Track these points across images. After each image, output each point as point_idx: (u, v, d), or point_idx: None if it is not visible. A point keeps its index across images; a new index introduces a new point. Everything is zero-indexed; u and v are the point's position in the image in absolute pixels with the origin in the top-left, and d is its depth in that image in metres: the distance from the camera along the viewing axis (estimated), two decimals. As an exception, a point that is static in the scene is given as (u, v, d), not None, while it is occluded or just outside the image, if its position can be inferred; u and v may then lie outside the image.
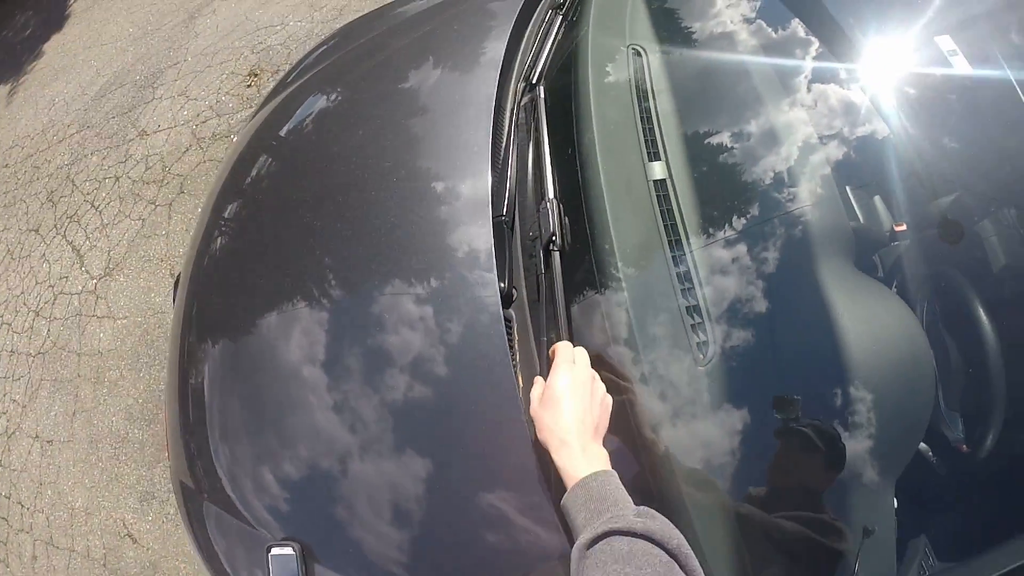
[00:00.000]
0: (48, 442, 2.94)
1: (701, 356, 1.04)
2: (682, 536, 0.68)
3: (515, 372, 1.07)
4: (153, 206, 3.25)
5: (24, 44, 5.40)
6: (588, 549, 0.68)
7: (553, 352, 0.97)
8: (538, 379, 0.95)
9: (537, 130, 1.35)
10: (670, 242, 1.14)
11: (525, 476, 1.01)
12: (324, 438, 1.19)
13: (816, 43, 1.31)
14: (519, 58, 1.55)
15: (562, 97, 1.40)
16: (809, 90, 1.25)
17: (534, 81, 1.46)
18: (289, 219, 1.44)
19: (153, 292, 2.99)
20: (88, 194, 3.59)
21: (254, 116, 1.87)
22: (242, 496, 1.26)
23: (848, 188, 1.14)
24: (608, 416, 0.91)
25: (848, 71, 1.25)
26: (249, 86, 3.47)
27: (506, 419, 1.05)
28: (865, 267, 1.11)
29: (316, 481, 1.18)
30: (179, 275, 1.65)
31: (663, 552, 0.65)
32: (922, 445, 0.99)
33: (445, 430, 1.11)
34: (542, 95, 1.41)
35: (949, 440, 1.00)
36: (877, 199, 1.14)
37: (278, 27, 3.76)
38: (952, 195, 1.12)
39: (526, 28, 1.63)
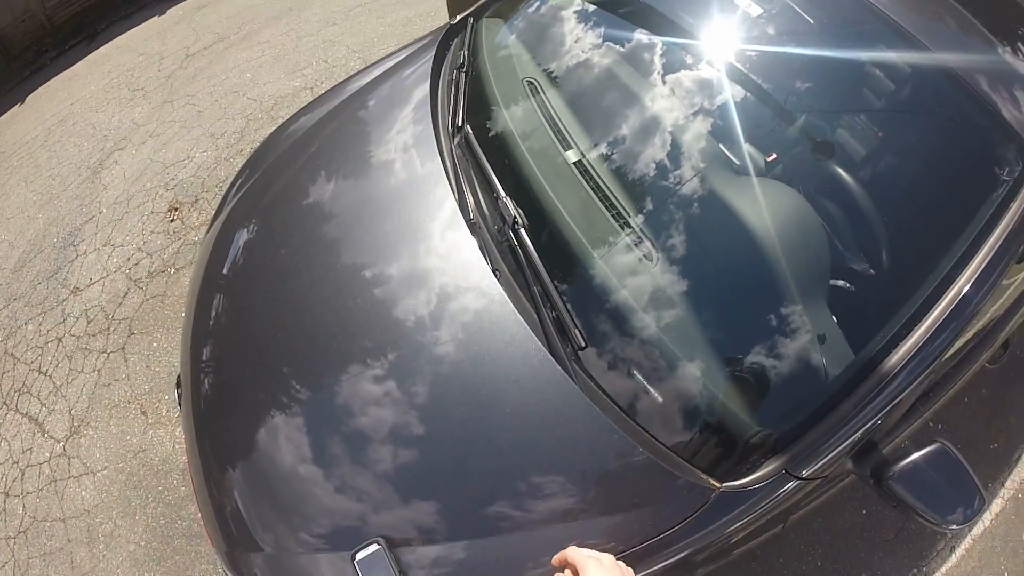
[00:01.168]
0: (50, 619, 2.86)
1: (651, 263, 1.45)
2: None
3: (523, 321, 1.39)
4: (106, 355, 3.30)
5: (-82, 242, 5.30)
6: None
7: (562, 559, 0.97)
8: None
9: (475, 156, 1.70)
10: (599, 198, 1.55)
11: (560, 421, 1.30)
12: (364, 443, 1.41)
13: (660, 41, 1.80)
14: (439, 112, 1.90)
15: (486, 129, 1.79)
16: (665, 80, 1.71)
17: (459, 124, 1.81)
18: (296, 289, 1.68)
19: (128, 435, 3.02)
20: (32, 363, 3.57)
21: (208, 233, 2.08)
22: (305, 529, 1.40)
23: (721, 145, 1.57)
24: None
25: (691, 56, 1.73)
26: (172, 220, 3.62)
27: (529, 358, 1.36)
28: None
29: (370, 483, 1.38)
30: (179, 376, 1.82)
31: None
32: (841, 281, 1.41)
33: (475, 385, 1.38)
34: (471, 131, 1.76)
35: (858, 271, 1.42)
36: (747, 147, 1.57)
37: (185, 161, 3.95)
38: (800, 119, 1.58)
39: (438, 91, 1.98)
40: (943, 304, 1.33)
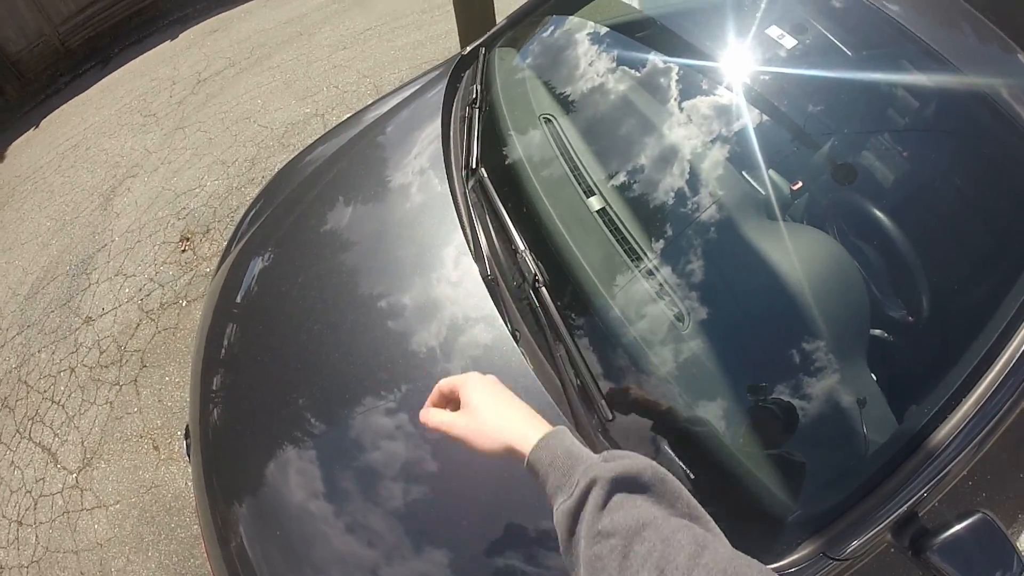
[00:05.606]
0: (63, 656, 2.84)
1: (681, 324, 1.35)
2: (653, 463, 0.70)
3: (545, 390, 1.31)
4: (118, 387, 3.29)
5: (-66, 266, 5.35)
6: (579, 507, 0.68)
7: (435, 397, 0.95)
8: (432, 410, 0.93)
9: (491, 202, 1.62)
10: (626, 251, 1.46)
11: None
12: (373, 495, 1.35)
13: (675, 67, 1.71)
14: (452, 153, 1.83)
15: (502, 171, 1.71)
16: (682, 108, 1.63)
17: (474, 167, 1.73)
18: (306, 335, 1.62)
19: (140, 469, 3.00)
20: (45, 391, 3.58)
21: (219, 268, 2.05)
22: None
23: (743, 172, 1.49)
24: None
25: (708, 82, 1.64)
26: (184, 251, 3.61)
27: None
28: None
29: (378, 539, 1.32)
30: (187, 426, 1.78)
31: (640, 486, 0.67)
32: (878, 331, 1.33)
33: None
34: (485, 175, 1.68)
35: (896, 319, 1.34)
36: (771, 172, 1.49)
37: (196, 190, 3.94)
38: (828, 143, 1.49)
39: (450, 128, 1.92)
40: (1001, 361, 1.21)
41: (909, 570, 1.34)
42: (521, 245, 1.48)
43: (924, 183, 1.46)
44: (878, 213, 1.42)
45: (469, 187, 1.71)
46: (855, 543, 1.19)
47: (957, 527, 1.19)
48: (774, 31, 1.63)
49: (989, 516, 1.19)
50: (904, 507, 1.19)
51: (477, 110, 1.89)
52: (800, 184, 1.50)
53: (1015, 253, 1.29)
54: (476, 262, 1.48)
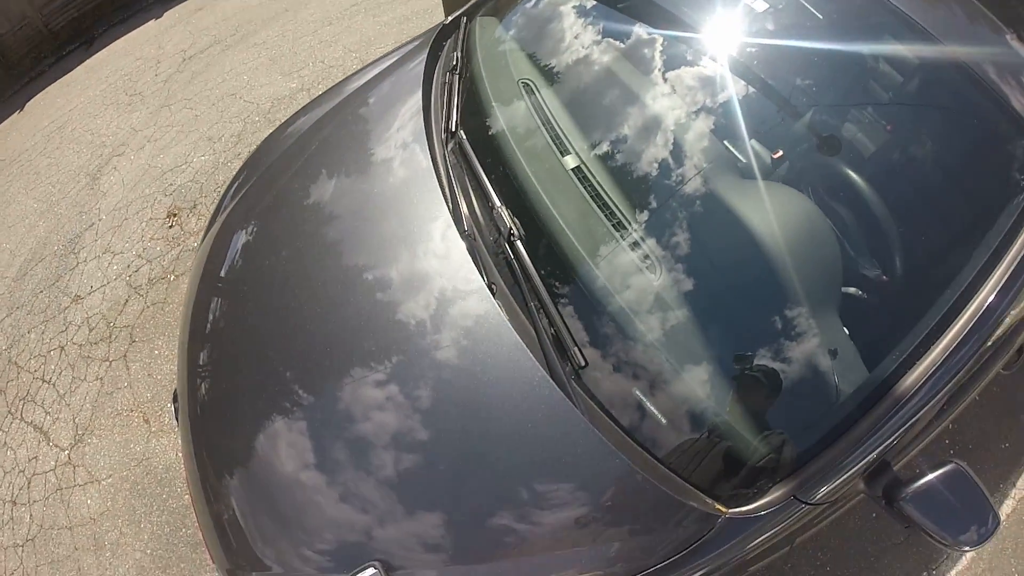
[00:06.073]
0: (59, 627, 2.88)
1: (654, 275, 1.39)
2: None
3: (520, 339, 1.33)
4: (108, 363, 3.30)
5: (-79, 251, 5.32)
6: None
7: None
8: None
9: (469, 164, 1.64)
10: (599, 206, 1.48)
11: (554, 436, 1.27)
12: (359, 454, 1.38)
13: (653, 34, 1.73)
14: (432, 117, 1.84)
15: (480, 133, 1.73)
16: (657, 73, 1.64)
17: (453, 130, 1.75)
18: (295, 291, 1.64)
19: (132, 443, 3.02)
20: (36, 371, 3.58)
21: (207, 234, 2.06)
22: (304, 546, 1.38)
23: (725, 141, 1.51)
24: None
25: (684, 47, 1.66)
26: (171, 227, 3.60)
27: (527, 378, 1.31)
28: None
29: (366, 504, 1.35)
30: (175, 391, 1.80)
31: None
32: (853, 289, 1.36)
33: (471, 406, 1.34)
34: (464, 138, 1.70)
35: (871, 278, 1.37)
36: (753, 142, 1.51)
37: (183, 166, 3.93)
38: (808, 115, 1.51)
39: (431, 95, 1.93)
40: (966, 315, 1.27)
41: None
42: (497, 201, 1.50)
43: (902, 152, 1.49)
44: (857, 179, 1.44)
45: (448, 150, 1.72)
46: (826, 488, 1.22)
47: (930, 476, 1.22)
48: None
49: (963, 466, 1.22)
50: (874, 453, 1.22)
51: (457, 76, 1.90)
52: (781, 152, 1.51)
53: (984, 216, 1.34)
54: (455, 220, 1.50)
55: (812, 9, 1.60)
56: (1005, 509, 2.33)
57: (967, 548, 1.23)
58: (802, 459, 1.26)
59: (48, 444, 3.29)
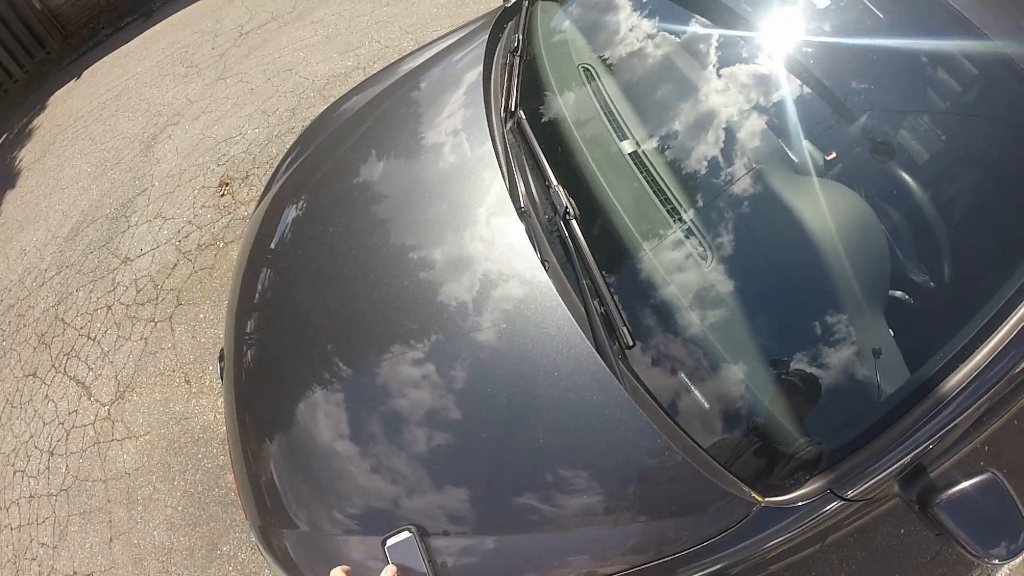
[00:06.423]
0: (88, 575, 2.97)
1: (705, 261, 1.41)
2: None
3: (571, 315, 1.35)
4: (153, 323, 3.40)
5: (-23, 208, 5.52)
6: None
7: None
8: None
9: (527, 142, 1.68)
10: (655, 191, 1.51)
11: (605, 417, 1.28)
12: (401, 427, 1.41)
13: (720, 31, 1.73)
14: (492, 96, 1.88)
15: (539, 114, 1.76)
16: (723, 72, 1.65)
17: (512, 109, 1.79)
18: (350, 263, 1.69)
19: (172, 402, 3.11)
20: (81, 328, 3.70)
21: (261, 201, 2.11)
22: (338, 509, 1.42)
23: (779, 139, 1.51)
24: None
25: (751, 47, 1.66)
26: (223, 195, 3.70)
27: (574, 353, 1.33)
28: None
29: (402, 472, 1.38)
30: (222, 349, 1.86)
31: None
32: (900, 292, 1.35)
33: (516, 376, 1.37)
34: (524, 117, 1.74)
35: (919, 283, 1.36)
36: (806, 143, 1.51)
37: (237, 137, 4.02)
38: (863, 117, 1.50)
39: (491, 74, 1.97)
40: (1009, 324, 1.26)
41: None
42: (554, 181, 1.53)
43: (954, 159, 1.48)
44: (909, 184, 1.44)
45: (507, 128, 1.75)
46: (862, 485, 1.22)
47: (965, 484, 1.21)
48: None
49: (997, 476, 1.21)
50: (910, 455, 1.22)
51: (518, 58, 1.93)
52: (835, 154, 1.51)
53: None
54: (511, 197, 1.52)
55: (874, 9, 1.59)
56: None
57: (996, 561, 1.21)
58: (840, 454, 1.26)
59: (89, 399, 3.39)
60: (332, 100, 2.48)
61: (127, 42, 6.10)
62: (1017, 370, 1.27)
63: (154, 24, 6.18)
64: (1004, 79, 1.40)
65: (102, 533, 2.98)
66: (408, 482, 1.37)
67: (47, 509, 3.24)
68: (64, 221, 4.45)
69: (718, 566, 1.24)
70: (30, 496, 3.35)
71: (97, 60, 6.10)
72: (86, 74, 6.02)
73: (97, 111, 5.28)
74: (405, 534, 1.29)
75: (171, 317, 3.36)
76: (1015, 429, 2.44)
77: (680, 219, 1.47)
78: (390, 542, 1.29)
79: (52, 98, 6.01)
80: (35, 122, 5.79)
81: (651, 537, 1.25)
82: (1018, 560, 2.18)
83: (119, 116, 5.03)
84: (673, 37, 1.79)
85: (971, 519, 1.21)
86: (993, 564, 2.13)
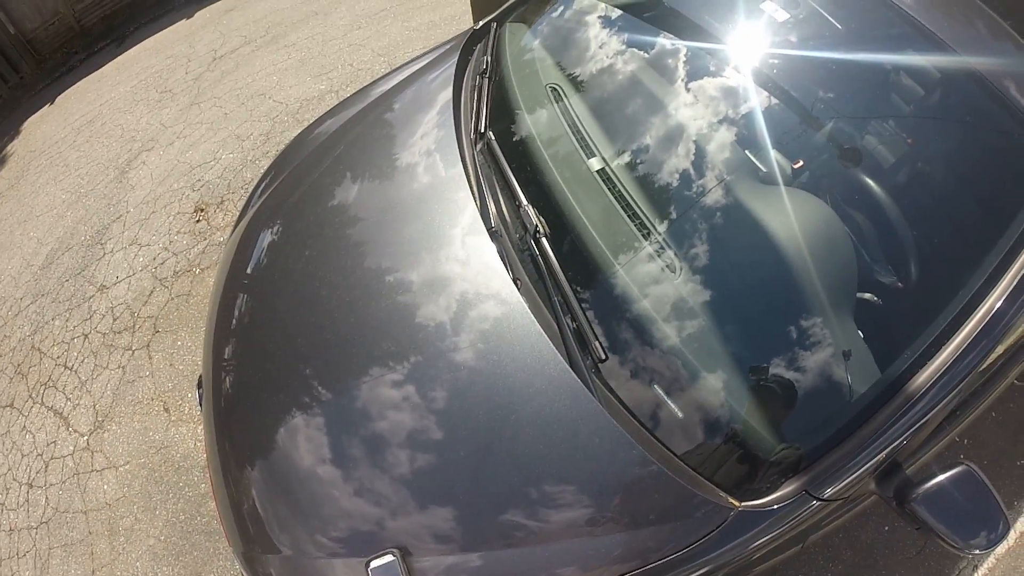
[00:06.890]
0: (70, 610, 2.91)
1: (674, 273, 1.44)
2: None
3: (543, 331, 1.37)
4: (130, 352, 3.36)
5: (-49, 237, 5.43)
6: None
7: None
8: None
9: (497, 163, 1.70)
10: (622, 207, 1.54)
11: (581, 426, 1.30)
12: (382, 449, 1.41)
13: (685, 47, 1.78)
14: (462, 118, 1.90)
15: (509, 134, 1.79)
16: (690, 87, 1.69)
17: (482, 131, 1.81)
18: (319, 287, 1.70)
19: (151, 431, 3.07)
20: (58, 358, 3.65)
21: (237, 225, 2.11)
22: (321, 532, 1.42)
23: (746, 150, 1.56)
24: None
25: (717, 61, 1.71)
26: (198, 221, 3.68)
27: (548, 369, 1.34)
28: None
29: (384, 494, 1.38)
30: (200, 376, 1.84)
31: None
32: (868, 294, 1.39)
33: (493, 394, 1.38)
34: (493, 138, 1.76)
35: (886, 284, 1.41)
36: (774, 153, 1.55)
37: (211, 163, 4.01)
38: (828, 125, 1.55)
39: (461, 96, 1.99)
40: (975, 320, 1.30)
41: None
42: (524, 200, 1.55)
43: (917, 162, 1.53)
44: (873, 188, 1.48)
45: (477, 149, 1.77)
46: (838, 484, 1.24)
47: (940, 477, 1.23)
48: (769, 6, 1.70)
49: (972, 468, 1.24)
50: (884, 452, 1.24)
51: (487, 79, 1.95)
52: (801, 163, 1.55)
53: (995, 225, 1.38)
54: (482, 218, 1.54)
55: (832, 20, 1.63)
56: (1019, 527, 2.32)
57: (977, 551, 1.23)
58: (814, 455, 1.29)
59: (67, 429, 3.34)
60: (306, 124, 2.49)
61: (101, 67, 6.06)
62: (984, 364, 1.31)
63: (128, 49, 6.15)
64: (962, 83, 1.45)
65: (84, 565, 2.93)
66: (390, 503, 1.37)
67: (28, 542, 3.18)
68: (39, 249, 4.40)
69: (701, 571, 1.26)
70: (10, 529, 3.29)
71: (71, 85, 6.05)
72: (60, 99, 5.97)
73: (71, 137, 5.24)
74: (388, 557, 1.29)
75: (148, 345, 3.32)
76: (993, 421, 2.49)
77: (649, 233, 1.50)
78: (373, 564, 1.29)
79: (26, 124, 5.95)
80: (8, 148, 5.73)
81: (634, 546, 1.26)
82: (1001, 548, 2.23)
83: (93, 142, 4.99)
84: (639, 54, 1.83)
85: (949, 512, 1.23)
86: (974, 554, 2.16)
